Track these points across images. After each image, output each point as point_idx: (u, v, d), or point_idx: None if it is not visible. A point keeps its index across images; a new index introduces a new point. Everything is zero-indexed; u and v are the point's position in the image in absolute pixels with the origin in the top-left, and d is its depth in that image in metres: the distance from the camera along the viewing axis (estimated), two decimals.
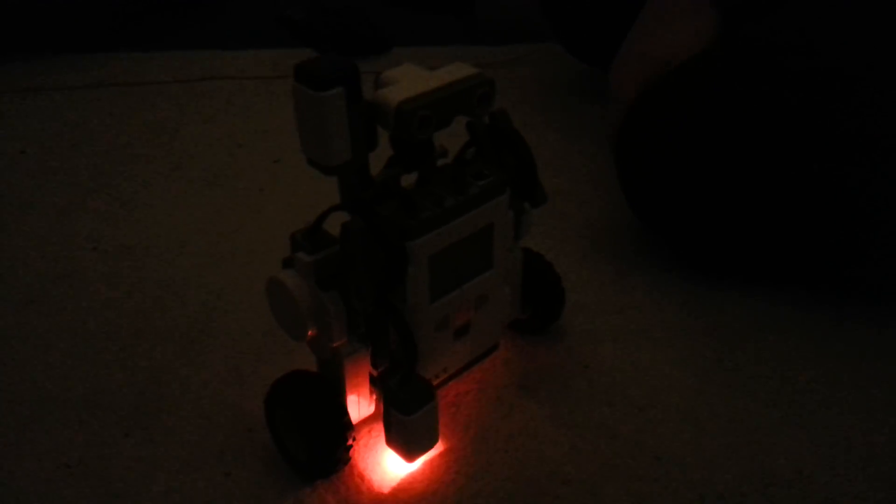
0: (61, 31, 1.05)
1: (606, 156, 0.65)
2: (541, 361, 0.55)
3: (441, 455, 0.48)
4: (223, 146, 0.83)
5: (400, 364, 0.44)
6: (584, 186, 0.75)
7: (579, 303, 0.61)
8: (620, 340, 0.57)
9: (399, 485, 0.46)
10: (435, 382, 0.48)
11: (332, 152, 0.39)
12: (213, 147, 0.83)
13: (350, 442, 0.46)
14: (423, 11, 1.19)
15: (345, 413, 0.45)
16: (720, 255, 0.63)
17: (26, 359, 0.56)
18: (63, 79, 0.97)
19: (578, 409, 0.51)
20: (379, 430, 0.47)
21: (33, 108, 0.91)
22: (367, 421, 0.49)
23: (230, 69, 1.00)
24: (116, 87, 0.95)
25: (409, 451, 0.45)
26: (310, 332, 0.44)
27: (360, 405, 0.47)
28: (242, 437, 0.49)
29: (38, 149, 0.83)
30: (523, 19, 1.04)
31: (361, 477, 0.47)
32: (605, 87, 0.67)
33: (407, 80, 0.42)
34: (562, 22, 0.89)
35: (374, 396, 0.48)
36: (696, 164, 0.59)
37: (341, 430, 0.45)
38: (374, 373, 0.47)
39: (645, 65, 0.64)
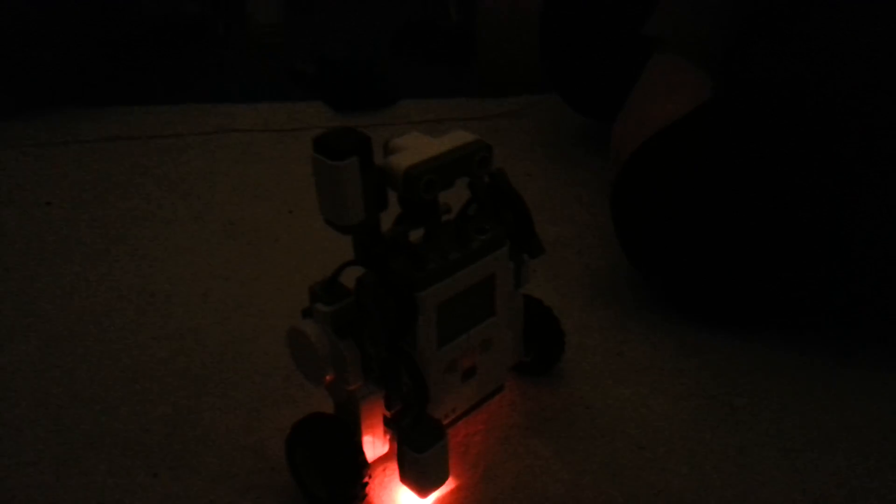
0: (79, 85, 1.10)
1: (606, 206, 0.69)
2: (545, 402, 0.59)
3: (452, 492, 0.52)
4: (240, 197, 0.87)
5: (412, 405, 0.48)
6: (585, 235, 0.80)
7: (581, 345, 0.64)
8: (620, 381, 0.61)
9: None
10: (445, 422, 0.52)
11: (348, 214, 0.43)
12: (231, 198, 0.87)
13: (366, 479, 0.49)
14: (424, 63, 1.25)
15: (361, 452, 0.49)
16: (713, 301, 0.66)
17: (60, 401, 0.59)
18: (83, 132, 1.02)
19: (581, 448, 0.55)
20: (393, 469, 0.51)
21: (56, 161, 0.96)
22: (381, 460, 0.52)
23: (245, 121, 1.05)
24: (136, 140, 1.01)
25: (422, 487, 0.49)
26: (328, 377, 0.48)
27: (374, 445, 0.51)
28: (265, 475, 0.53)
29: (63, 200, 0.88)
30: (523, 73, 1.10)
31: None
32: (604, 140, 0.72)
33: (413, 147, 0.46)
34: (561, 77, 0.94)
35: (388, 436, 0.51)
36: (685, 216, 0.63)
37: (358, 469, 0.48)
38: (388, 414, 0.51)
39: (643, 129, 0.69)
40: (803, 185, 0.59)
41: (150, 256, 0.77)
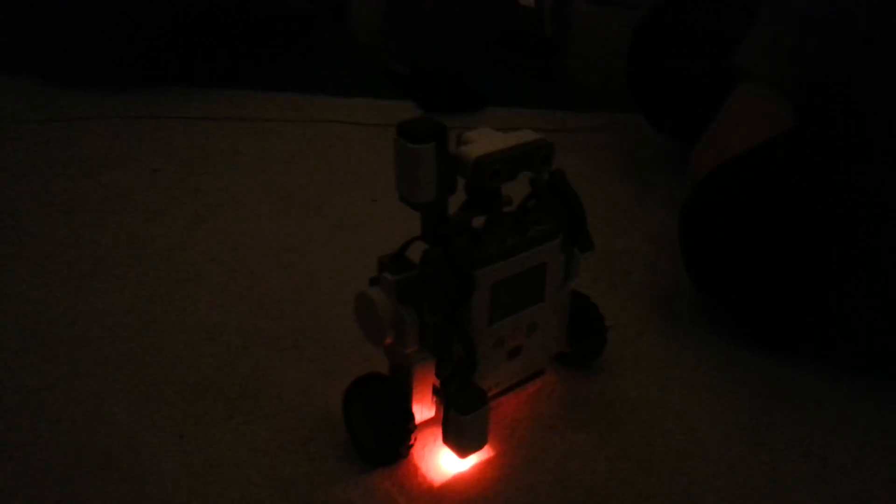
0: (194, 67, 1.22)
1: (676, 225, 0.73)
2: (591, 399, 0.64)
3: (490, 462, 0.57)
4: (327, 183, 0.96)
5: (461, 372, 0.54)
6: (650, 250, 0.84)
7: (633, 354, 0.69)
8: (666, 390, 0.65)
9: (448, 481, 0.56)
10: (490, 395, 0.57)
11: (420, 193, 0.50)
12: (319, 183, 0.96)
13: (412, 438, 0.55)
14: (515, 73, 1.31)
15: (409, 411, 0.55)
16: (769, 325, 0.69)
17: (153, 346, 0.68)
18: (192, 109, 1.13)
19: (621, 444, 0.60)
20: (437, 432, 0.57)
21: (167, 134, 1.06)
22: (427, 423, 0.58)
23: (339, 114, 1.13)
24: (239, 121, 1.10)
25: (463, 448, 0.54)
26: (387, 340, 0.54)
27: (422, 408, 0.57)
28: (326, 430, 0.59)
29: (169, 170, 0.98)
30: (609, 90, 1.14)
31: (417, 470, 0.56)
32: (682, 162, 0.76)
33: (483, 140, 0.53)
34: (646, 97, 0.99)
35: (435, 402, 0.58)
36: (750, 241, 0.66)
37: (405, 426, 0.55)
38: (437, 384, 0.57)
39: (722, 154, 0.73)
40: (867, 220, 0.62)
41: (242, 227, 0.86)
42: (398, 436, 0.55)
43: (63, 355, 0.67)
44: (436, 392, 0.57)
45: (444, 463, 0.57)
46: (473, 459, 0.57)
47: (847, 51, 0.75)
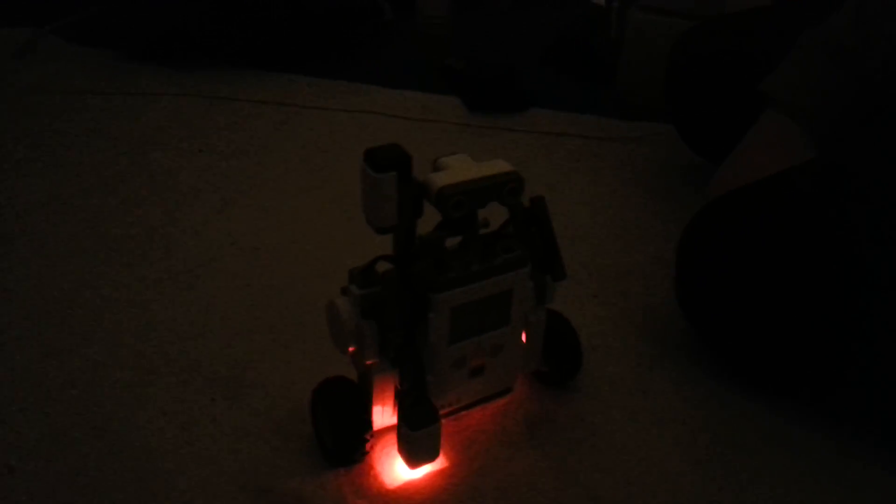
0: (254, 52, 1.27)
1: None
2: (557, 419, 0.65)
3: (443, 472, 0.60)
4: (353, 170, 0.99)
5: (412, 390, 0.56)
6: (657, 272, 0.83)
7: (612, 375, 0.70)
8: (636, 418, 0.66)
9: (400, 486, 0.59)
10: (448, 410, 0.60)
11: (381, 217, 0.52)
12: (353, 173, 0.98)
13: (368, 437, 0.59)
14: (569, 78, 1.31)
15: (366, 417, 0.58)
16: (757, 365, 0.69)
17: (157, 322, 0.73)
18: (249, 91, 1.18)
19: (576, 468, 0.61)
20: (395, 439, 0.59)
21: (218, 115, 1.12)
22: (389, 429, 0.61)
23: (385, 105, 1.16)
24: (290, 106, 1.15)
25: (412, 459, 0.57)
26: (350, 349, 0.57)
27: (383, 414, 0.60)
28: (296, 423, 0.63)
29: (213, 150, 1.03)
30: (655, 100, 1.13)
31: (372, 472, 0.60)
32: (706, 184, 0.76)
33: (455, 168, 0.55)
34: (680, 113, 0.98)
35: (397, 409, 0.60)
36: (747, 275, 0.65)
37: (361, 430, 0.58)
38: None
39: (738, 179, 0.72)
40: (879, 265, 0.60)
41: (268, 215, 0.90)
42: (353, 441, 0.58)
43: (77, 324, 0.73)
44: (398, 397, 0.60)
45: (398, 468, 0.60)
46: (428, 468, 0.60)
47: (873, 86, 0.72)
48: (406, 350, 0.56)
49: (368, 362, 0.57)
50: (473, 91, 1.19)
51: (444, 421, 0.62)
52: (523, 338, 0.63)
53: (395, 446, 0.59)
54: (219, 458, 0.61)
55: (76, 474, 0.59)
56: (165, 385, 0.67)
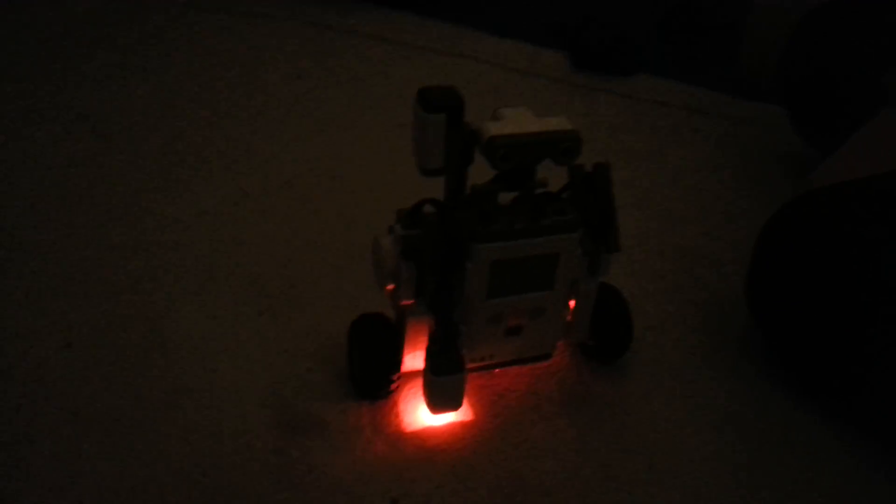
0: None
1: None
2: (593, 393, 0.64)
3: (465, 425, 0.61)
4: None
5: (440, 336, 0.56)
6: (732, 260, 0.79)
7: (660, 360, 0.68)
8: (674, 406, 0.64)
9: (418, 430, 0.60)
10: (480, 364, 0.60)
11: (427, 159, 0.52)
12: None
13: (395, 377, 0.59)
14: (689, 42, 1.25)
15: (395, 359, 0.59)
16: (815, 374, 0.65)
17: (223, 237, 0.76)
18: (359, 25, 1.18)
19: (596, 445, 0.60)
20: None
21: (322, 43, 1.13)
22: (419, 374, 0.61)
23: (487, 54, 1.15)
24: (391, 43, 1.15)
25: (433, 405, 0.58)
26: (388, 286, 0.58)
27: (415, 358, 0.61)
28: (335, 350, 0.64)
29: (311, 77, 1.05)
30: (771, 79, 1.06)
31: (396, 410, 0.61)
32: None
33: (512, 119, 0.53)
34: (793, 96, 0.92)
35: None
36: (821, 278, 0.61)
37: (389, 366, 0.59)
38: None
39: (841, 175, 0.68)
40: None
41: (337, 150, 0.91)
42: (379, 377, 0.60)
43: (148, 222, 0.77)
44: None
45: (421, 413, 0.61)
46: (450, 418, 0.61)
47: None
48: (440, 296, 0.56)
49: (404, 303, 0.58)
50: (582, 49, 1.15)
51: (475, 375, 0.63)
52: (571, 306, 0.62)
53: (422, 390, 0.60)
54: (252, 369, 0.63)
55: (120, 355, 0.63)
56: (221, 292, 0.70)
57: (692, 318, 0.72)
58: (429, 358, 0.57)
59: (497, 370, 0.63)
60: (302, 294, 0.71)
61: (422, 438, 0.59)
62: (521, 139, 0.52)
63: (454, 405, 0.59)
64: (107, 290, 0.69)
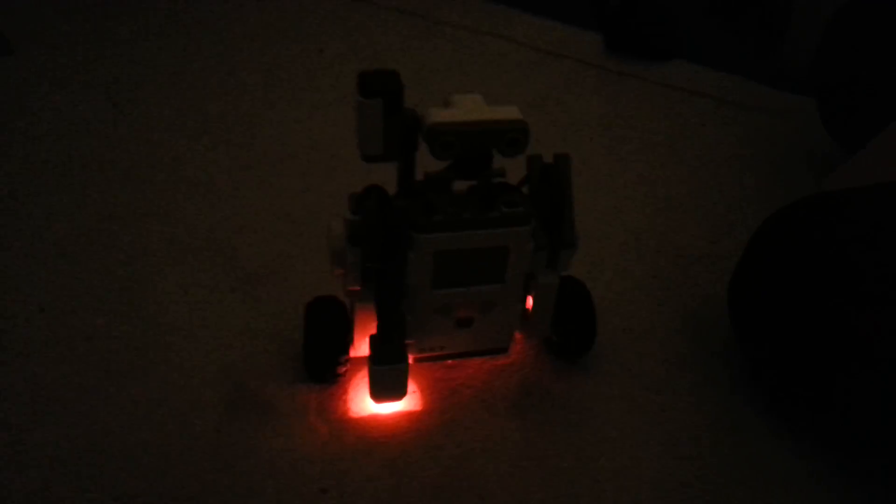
0: None
1: None
2: (552, 394, 0.63)
3: (412, 415, 0.60)
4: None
5: (381, 325, 0.56)
6: (731, 264, 0.75)
7: (632, 364, 0.65)
8: (637, 413, 0.62)
9: (364, 417, 0.60)
10: (430, 354, 0.59)
11: (365, 144, 0.51)
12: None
13: (342, 360, 0.59)
14: (733, 28, 1.19)
15: (341, 343, 0.59)
16: (793, 399, 0.61)
17: (214, 207, 0.77)
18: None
19: (543, 448, 0.59)
20: None
21: (347, 15, 1.13)
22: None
23: (516, 32, 1.12)
24: (425, 19, 1.13)
25: (373, 393, 0.58)
26: (336, 271, 0.57)
27: (364, 344, 0.60)
28: (294, 332, 0.64)
29: (333, 51, 1.05)
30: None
31: (344, 396, 0.61)
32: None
33: (459, 106, 0.52)
34: (825, 90, 0.86)
35: None
36: (793, 294, 0.57)
37: (335, 350, 0.59)
38: None
39: (858, 179, 0.64)
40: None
41: (345, 133, 0.90)
42: (325, 360, 0.59)
43: (146, 188, 0.78)
44: None
45: (370, 401, 0.60)
46: (398, 407, 0.60)
47: None
48: (380, 284, 0.55)
49: (351, 289, 0.57)
50: (618, 29, 1.11)
51: (432, 366, 0.62)
52: (529, 301, 0.60)
53: None
54: (211, 346, 0.64)
55: (88, 323, 0.65)
56: (196, 263, 0.71)
57: (675, 323, 0.69)
58: (371, 346, 0.56)
59: (452, 362, 0.62)
60: (278, 273, 0.71)
61: (365, 427, 0.59)
62: (464, 128, 0.51)
63: (397, 395, 0.58)
64: (93, 256, 0.71)
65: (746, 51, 1.14)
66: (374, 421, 0.59)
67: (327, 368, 0.60)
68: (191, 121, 0.90)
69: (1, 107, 0.89)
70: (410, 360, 0.60)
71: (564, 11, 1.18)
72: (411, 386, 0.61)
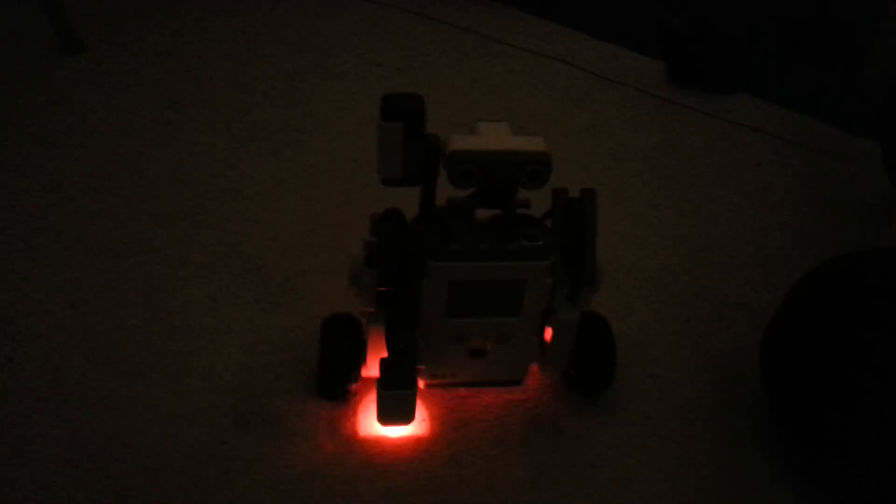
0: None
1: None
2: (564, 433, 0.61)
3: (420, 441, 0.59)
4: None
5: (392, 349, 0.55)
6: (769, 311, 0.72)
7: (652, 410, 0.64)
8: (649, 464, 0.60)
9: (370, 437, 0.59)
10: (442, 381, 0.59)
11: (385, 167, 0.51)
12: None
13: (353, 378, 0.59)
14: (807, 62, 1.15)
15: (353, 362, 0.59)
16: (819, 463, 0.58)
17: (245, 219, 0.78)
18: (451, 14, 1.17)
19: (550, 494, 0.57)
20: None
21: (410, 29, 1.13)
22: None
23: (575, 53, 1.10)
24: (485, 38, 1.13)
25: (380, 417, 0.58)
26: (352, 291, 0.57)
27: (376, 365, 0.60)
28: (311, 346, 0.64)
29: (389, 64, 1.05)
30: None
31: (353, 415, 0.61)
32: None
33: (484, 135, 0.51)
34: (889, 134, 0.82)
35: None
36: (825, 354, 0.55)
37: (347, 368, 0.59)
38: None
39: None
40: None
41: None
42: (336, 379, 0.59)
43: (183, 196, 0.80)
44: None
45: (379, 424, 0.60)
46: (407, 431, 0.60)
47: None
48: (394, 308, 0.54)
49: (365, 310, 0.57)
50: (682, 59, 1.08)
51: (445, 394, 0.61)
52: (548, 333, 0.59)
53: None
54: (230, 356, 0.65)
55: (113, 332, 0.66)
56: (224, 274, 0.72)
57: (703, 372, 0.67)
58: (381, 370, 0.56)
59: (465, 392, 0.62)
60: (302, 286, 0.72)
61: (371, 449, 0.59)
62: (484, 156, 0.50)
63: (404, 420, 0.58)
64: (129, 257, 0.73)
65: (817, 88, 1.10)
66: (379, 443, 0.59)
67: (338, 387, 0.60)
68: (239, 128, 0.91)
69: (64, 103, 0.93)
70: (421, 386, 0.59)
71: (631, 37, 1.16)
72: (421, 413, 0.61)
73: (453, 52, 1.10)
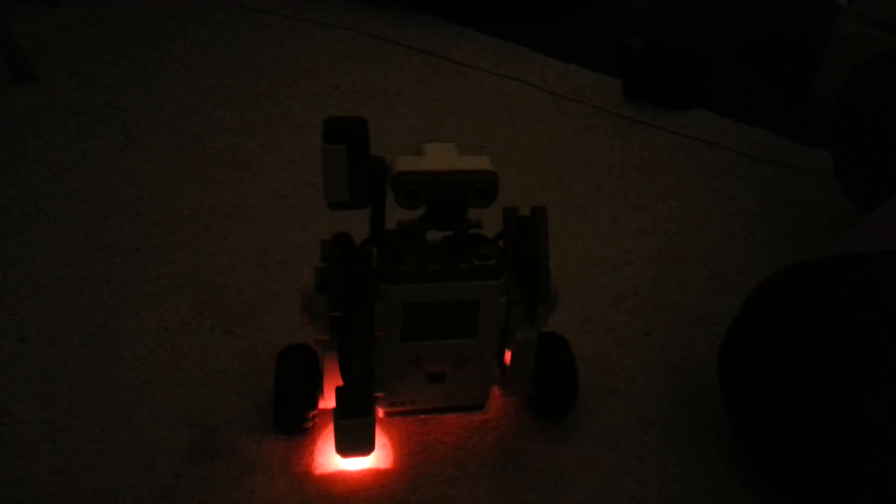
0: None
1: None
2: (527, 453, 0.60)
3: (378, 473, 0.58)
4: (466, 143, 0.95)
5: (345, 377, 0.54)
6: (729, 323, 0.72)
7: (615, 427, 0.62)
8: (614, 482, 0.58)
9: (330, 472, 0.57)
10: (401, 409, 0.57)
11: (330, 191, 0.50)
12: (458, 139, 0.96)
13: (310, 415, 0.57)
14: (763, 78, 1.16)
15: (312, 389, 0.57)
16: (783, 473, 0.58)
17: (207, 243, 0.77)
18: (411, 38, 1.17)
19: None
20: None
21: (370, 54, 1.13)
22: None
23: (536, 76, 1.11)
24: (446, 60, 1.13)
25: (339, 447, 0.56)
26: (306, 319, 0.55)
27: (333, 396, 0.58)
28: (268, 378, 0.62)
29: (349, 89, 1.04)
30: None
31: (311, 449, 0.59)
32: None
33: (431, 156, 0.50)
34: (842, 149, 0.83)
35: None
36: (781, 365, 0.54)
37: (303, 402, 0.57)
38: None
39: (860, 247, 0.61)
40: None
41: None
42: (292, 413, 0.58)
43: (148, 218, 0.78)
44: None
45: (337, 455, 0.58)
46: (366, 462, 0.58)
47: None
48: (344, 335, 0.53)
49: (317, 338, 0.56)
50: (638, 77, 1.09)
51: (406, 421, 0.60)
52: (508, 357, 0.58)
53: None
54: (184, 387, 0.63)
55: (63, 365, 0.64)
56: (178, 304, 0.70)
57: (665, 386, 0.66)
58: (337, 398, 0.54)
59: (425, 416, 0.60)
60: (261, 314, 0.70)
61: (329, 484, 0.57)
62: (430, 176, 0.49)
63: (364, 450, 0.56)
64: (81, 289, 0.71)
65: (774, 103, 1.10)
66: (338, 477, 0.57)
67: (295, 421, 0.58)
68: (195, 155, 0.90)
69: (18, 131, 0.91)
70: (380, 414, 0.58)
71: (589, 57, 1.17)
72: (381, 440, 0.59)
73: (413, 74, 1.10)
